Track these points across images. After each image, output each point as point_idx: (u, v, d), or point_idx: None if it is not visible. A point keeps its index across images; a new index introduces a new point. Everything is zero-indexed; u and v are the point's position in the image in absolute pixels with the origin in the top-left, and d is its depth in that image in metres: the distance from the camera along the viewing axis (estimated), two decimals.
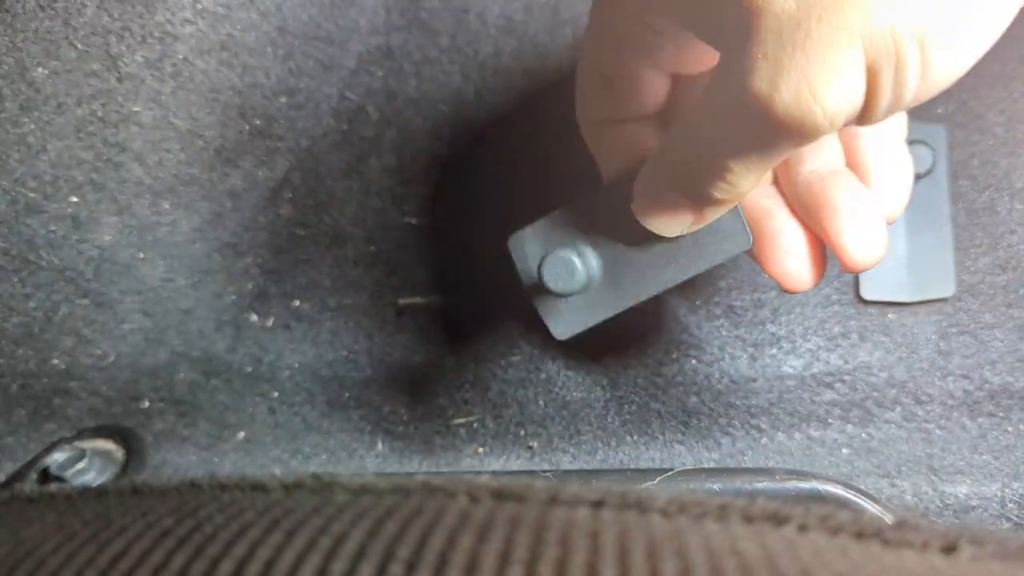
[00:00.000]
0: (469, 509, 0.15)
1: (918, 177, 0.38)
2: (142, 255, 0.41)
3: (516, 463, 0.42)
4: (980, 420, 0.39)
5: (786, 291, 0.29)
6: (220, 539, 0.14)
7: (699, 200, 0.25)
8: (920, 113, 0.40)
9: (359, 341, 0.43)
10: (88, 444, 0.42)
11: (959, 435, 0.39)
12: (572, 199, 0.29)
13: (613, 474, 0.39)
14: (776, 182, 0.29)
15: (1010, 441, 0.39)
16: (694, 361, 0.41)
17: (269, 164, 0.42)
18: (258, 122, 0.41)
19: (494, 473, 0.41)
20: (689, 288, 0.41)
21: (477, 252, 0.42)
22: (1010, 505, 0.38)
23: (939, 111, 0.40)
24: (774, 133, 0.20)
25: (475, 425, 0.43)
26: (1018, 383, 0.39)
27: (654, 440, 0.42)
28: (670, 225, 0.27)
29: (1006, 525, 0.38)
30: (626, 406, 0.42)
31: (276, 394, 0.43)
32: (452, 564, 0.13)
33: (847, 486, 0.33)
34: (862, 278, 0.40)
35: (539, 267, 0.28)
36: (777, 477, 0.34)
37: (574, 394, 0.42)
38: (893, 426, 0.40)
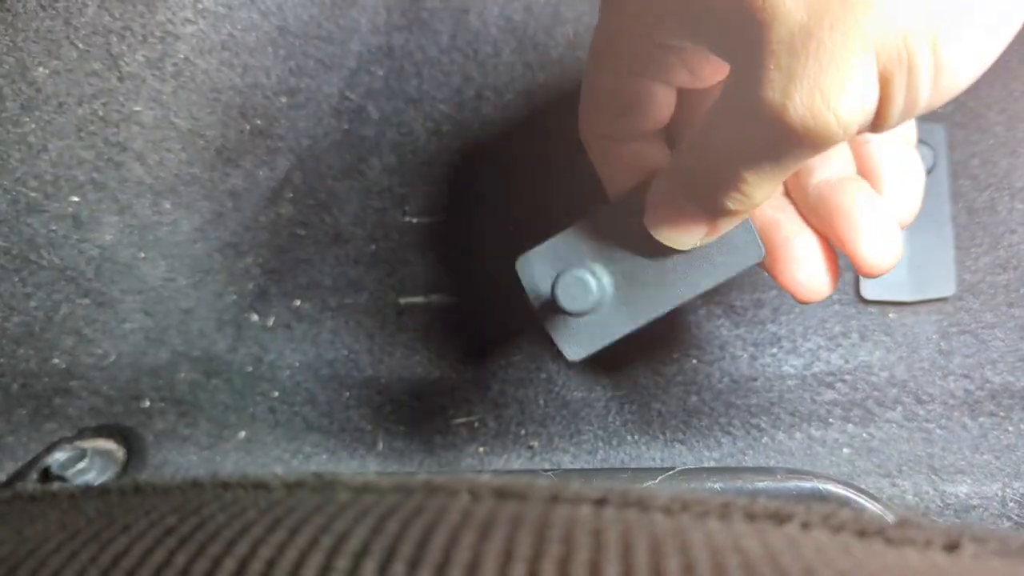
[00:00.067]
0: (471, 507, 0.15)
1: None
2: (143, 254, 0.41)
3: (517, 463, 0.42)
4: (981, 420, 0.39)
5: (801, 302, 0.29)
6: (222, 538, 0.14)
7: (713, 211, 0.25)
8: None
9: (360, 341, 0.43)
10: (89, 444, 0.42)
11: (960, 435, 0.39)
12: (577, 219, 0.29)
13: (614, 473, 0.39)
14: (786, 192, 0.29)
15: (1011, 441, 0.39)
16: (695, 360, 0.41)
17: (270, 164, 0.42)
18: (259, 122, 0.41)
19: (495, 472, 0.41)
20: None
21: (477, 252, 0.42)
22: (1011, 504, 0.38)
23: (939, 110, 0.40)
24: (788, 142, 0.20)
25: (476, 424, 0.43)
26: (1019, 382, 0.39)
27: (655, 440, 0.42)
28: (683, 237, 0.27)
29: (1007, 524, 0.38)
30: (627, 405, 0.42)
31: (277, 394, 0.43)
32: (455, 562, 0.13)
33: (848, 485, 0.33)
34: (862, 277, 0.40)
35: (552, 287, 0.28)
36: (778, 476, 0.34)
37: (575, 393, 0.42)
38: (894, 425, 0.40)
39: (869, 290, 0.40)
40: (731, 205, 0.24)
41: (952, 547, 0.15)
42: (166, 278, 0.42)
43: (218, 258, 0.42)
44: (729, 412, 0.41)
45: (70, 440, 0.42)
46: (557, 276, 0.28)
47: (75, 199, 0.39)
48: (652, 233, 0.27)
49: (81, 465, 0.41)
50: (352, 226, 0.43)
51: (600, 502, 0.15)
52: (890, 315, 0.40)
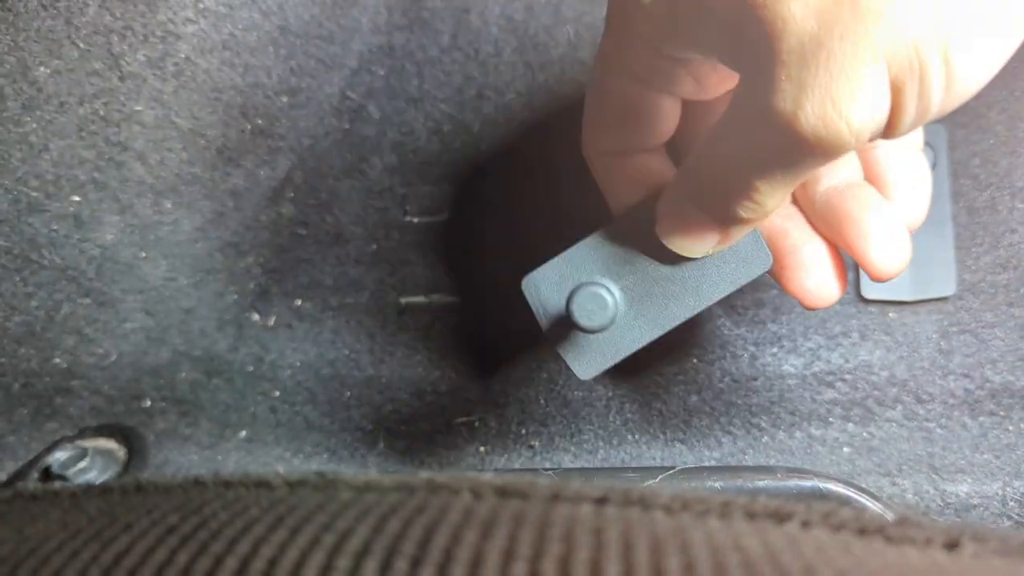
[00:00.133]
0: (473, 506, 0.15)
1: None
2: (144, 254, 0.41)
3: (518, 462, 0.42)
4: (981, 419, 0.39)
5: (808, 308, 0.29)
6: (224, 536, 0.14)
7: (725, 220, 0.25)
8: None
9: (361, 340, 0.43)
10: (90, 443, 0.42)
11: (960, 434, 0.39)
12: (580, 231, 0.29)
13: (615, 472, 0.39)
14: (793, 200, 0.29)
15: (1011, 440, 0.39)
16: (695, 360, 0.41)
17: (271, 163, 0.42)
18: (260, 121, 0.41)
19: (496, 471, 0.41)
20: None
21: (478, 251, 0.42)
22: (1011, 504, 0.38)
23: None
24: (800, 151, 0.20)
25: (476, 424, 0.43)
26: (1019, 382, 0.39)
27: (655, 439, 0.42)
28: (695, 246, 0.27)
29: (1007, 524, 0.38)
30: (627, 405, 0.42)
31: (278, 393, 0.43)
32: (456, 560, 0.13)
33: (848, 484, 0.33)
34: (863, 277, 0.40)
35: (567, 304, 0.27)
36: (778, 475, 0.34)
37: (575, 393, 0.42)
38: (894, 425, 0.40)
39: (869, 290, 0.40)
40: (743, 214, 0.24)
41: (952, 546, 0.15)
42: (167, 278, 0.42)
43: (219, 258, 0.42)
44: (729, 411, 0.41)
45: (71, 439, 0.42)
46: (572, 293, 0.27)
47: (76, 198, 0.39)
48: (664, 242, 0.27)
49: (82, 464, 0.41)
50: (353, 226, 0.43)
51: (601, 501, 0.15)
52: (890, 314, 0.40)
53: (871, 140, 0.20)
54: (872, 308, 0.40)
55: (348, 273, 0.43)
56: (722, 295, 0.29)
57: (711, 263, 0.28)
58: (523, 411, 0.42)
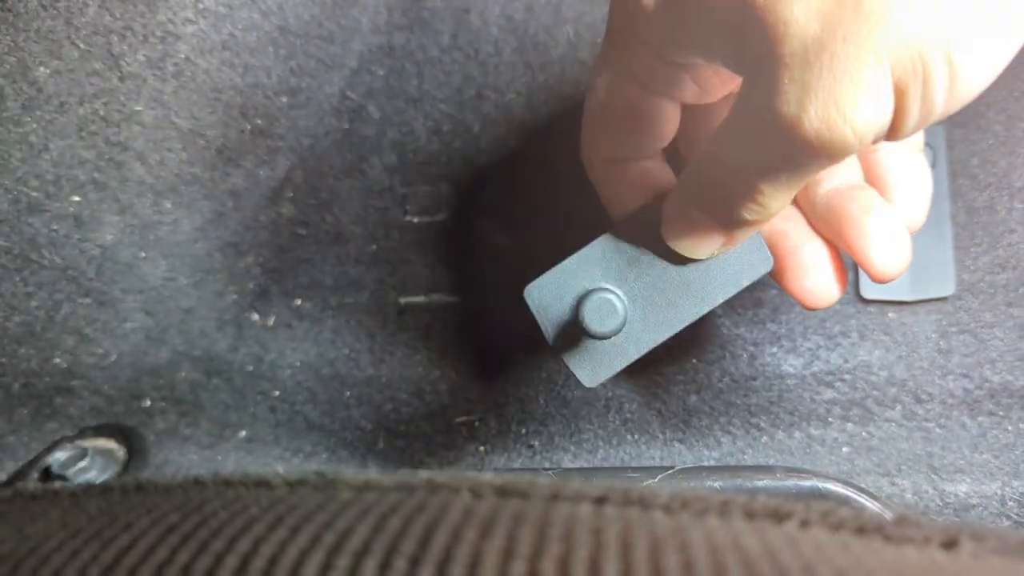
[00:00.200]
0: (472, 505, 0.15)
1: None
2: (144, 254, 0.41)
3: (517, 461, 0.42)
4: (980, 419, 0.39)
5: (808, 308, 0.29)
6: (224, 535, 0.14)
7: (730, 223, 0.25)
8: None
9: (360, 340, 0.43)
10: (90, 443, 0.42)
11: (959, 434, 0.39)
12: (582, 240, 0.29)
13: (614, 472, 0.39)
14: (794, 201, 0.29)
15: (1010, 440, 0.39)
16: (694, 360, 0.41)
17: (271, 163, 0.42)
18: (260, 121, 0.41)
19: (496, 471, 0.41)
20: None
21: (478, 251, 0.42)
22: (1010, 503, 0.38)
23: None
24: (804, 153, 0.20)
25: (476, 423, 0.43)
26: (1018, 382, 0.39)
27: (655, 439, 0.42)
28: (701, 248, 0.27)
29: (1006, 523, 0.38)
30: (626, 405, 0.42)
31: (277, 393, 0.43)
32: (456, 559, 0.13)
33: (847, 484, 0.33)
34: (863, 277, 0.40)
35: (577, 310, 0.27)
36: (778, 475, 0.34)
37: (575, 392, 0.42)
38: (893, 425, 0.40)
39: (869, 290, 0.40)
40: (748, 216, 0.24)
41: (951, 545, 0.15)
42: (167, 277, 0.42)
43: (219, 257, 0.42)
44: (729, 411, 0.41)
45: (71, 439, 0.42)
46: (581, 299, 0.27)
47: (76, 199, 0.39)
48: (670, 245, 0.27)
49: (82, 464, 0.41)
50: (353, 225, 0.43)
51: (600, 500, 0.15)
52: (889, 314, 0.40)
53: (875, 142, 0.20)
54: (871, 308, 0.41)
55: (348, 273, 0.43)
56: (724, 298, 0.29)
57: (713, 267, 0.28)
58: (523, 411, 0.42)
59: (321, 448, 0.43)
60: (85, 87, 0.37)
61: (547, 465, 0.42)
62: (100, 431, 0.43)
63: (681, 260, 0.28)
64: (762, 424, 0.41)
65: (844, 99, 0.19)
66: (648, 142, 0.28)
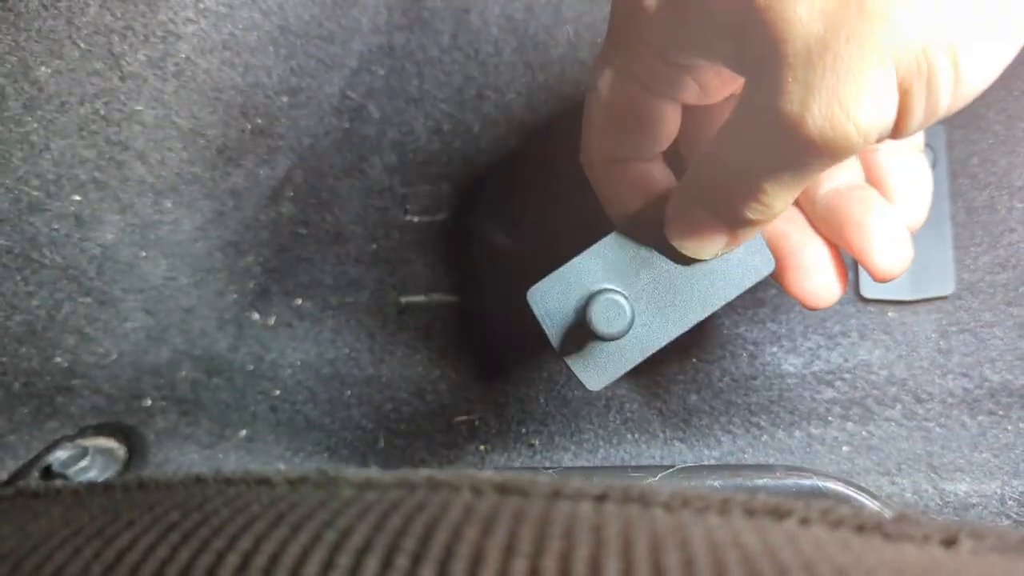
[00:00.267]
0: (473, 503, 0.15)
1: None
2: (144, 253, 0.41)
3: (518, 461, 0.42)
4: (980, 418, 0.39)
5: (809, 308, 0.29)
6: (226, 533, 0.14)
7: (734, 222, 0.25)
8: None
9: (361, 339, 0.43)
10: (90, 442, 0.42)
11: (959, 433, 0.40)
12: (582, 243, 0.29)
13: (614, 471, 0.39)
14: (795, 202, 0.29)
15: (1010, 439, 0.39)
16: (694, 359, 0.41)
17: (271, 163, 0.42)
18: (260, 121, 0.41)
19: (496, 470, 0.41)
20: None
21: (478, 251, 0.43)
22: (1010, 503, 0.38)
23: None
24: (807, 153, 0.21)
25: (476, 423, 0.43)
26: (1018, 381, 0.39)
27: (655, 438, 0.42)
28: (704, 247, 0.27)
29: (1006, 523, 0.38)
30: (627, 404, 0.42)
31: (278, 392, 0.43)
32: (457, 557, 0.13)
33: (847, 483, 0.33)
34: (862, 276, 0.40)
35: (585, 312, 0.27)
36: (778, 474, 0.34)
37: (575, 392, 0.42)
38: (893, 424, 0.40)
39: (869, 289, 0.40)
40: (751, 216, 0.24)
41: (950, 542, 0.15)
42: (167, 277, 0.42)
43: (219, 257, 0.42)
44: (729, 410, 0.41)
45: (71, 438, 0.42)
46: (587, 301, 0.27)
47: (77, 198, 0.39)
48: (674, 245, 0.27)
49: (82, 463, 0.41)
50: (353, 225, 0.43)
51: (601, 498, 0.15)
52: (889, 314, 0.40)
53: (878, 141, 0.20)
54: (871, 307, 0.41)
55: (348, 272, 0.43)
56: (726, 300, 0.29)
57: (715, 268, 0.28)
58: (523, 410, 0.42)
59: (322, 447, 0.44)
60: (86, 87, 0.37)
61: (547, 464, 0.42)
62: (101, 430, 0.43)
63: (684, 261, 0.28)
64: (762, 423, 0.41)
65: (848, 98, 0.19)
66: (649, 143, 0.28)
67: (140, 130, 0.39)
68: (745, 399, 0.41)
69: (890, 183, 0.28)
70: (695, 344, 0.41)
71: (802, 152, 0.21)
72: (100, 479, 0.41)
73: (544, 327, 0.29)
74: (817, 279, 0.28)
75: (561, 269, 0.29)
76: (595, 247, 0.29)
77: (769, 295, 0.41)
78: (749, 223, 0.25)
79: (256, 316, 0.43)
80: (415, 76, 0.42)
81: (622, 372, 0.29)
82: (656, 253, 0.28)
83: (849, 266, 0.39)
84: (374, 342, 0.43)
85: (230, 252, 0.43)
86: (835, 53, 0.19)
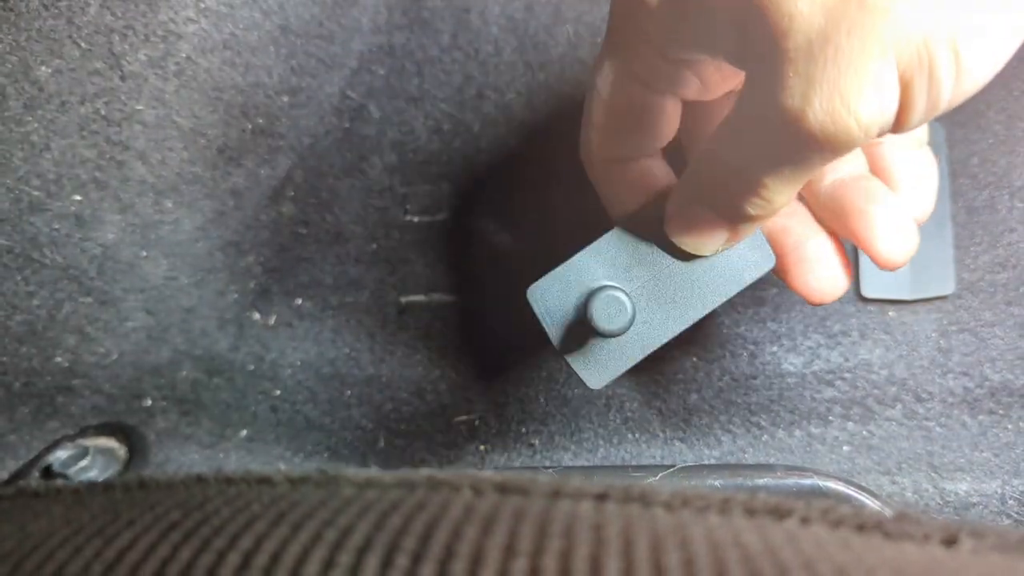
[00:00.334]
0: (473, 502, 0.15)
1: None
2: (145, 253, 0.41)
3: (518, 460, 0.42)
4: (980, 417, 0.39)
5: (813, 303, 0.29)
6: (226, 532, 0.14)
7: (734, 218, 0.25)
8: None
9: (361, 339, 0.43)
10: (91, 442, 0.42)
11: (959, 432, 0.40)
12: (582, 240, 0.29)
13: (614, 471, 0.39)
14: (798, 194, 0.29)
15: (1010, 438, 0.39)
16: (695, 359, 0.41)
17: (271, 162, 0.42)
18: (260, 121, 0.41)
19: (496, 470, 0.41)
20: None
21: (478, 251, 0.43)
22: (1010, 502, 0.38)
23: None
24: (808, 147, 0.20)
25: (476, 422, 0.43)
26: (1018, 380, 0.39)
27: (655, 438, 0.42)
28: (705, 243, 0.27)
29: (1006, 522, 0.38)
30: (627, 403, 0.42)
31: (278, 392, 0.43)
32: (458, 556, 0.13)
33: (847, 482, 0.33)
34: (863, 276, 0.40)
35: (586, 309, 0.27)
36: (778, 473, 0.34)
37: (575, 391, 0.42)
38: (893, 423, 0.40)
39: (869, 289, 0.40)
40: (752, 211, 0.24)
41: (950, 541, 0.15)
42: (168, 277, 0.42)
43: (220, 257, 0.43)
44: (729, 410, 0.41)
45: (72, 438, 0.42)
46: (588, 298, 0.27)
47: (77, 198, 0.39)
48: (674, 241, 0.27)
49: (83, 463, 0.41)
50: (353, 225, 0.43)
51: (601, 497, 0.15)
52: (890, 313, 0.40)
53: (880, 135, 0.20)
54: (871, 307, 0.41)
55: (348, 272, 0.43)
56: (726, 298, 0.29)
57: (716, 265, 0.28)
58: (523, 410, 0.42)
59: (322, 447, 0.44)
60: (87, 86, 0.37)
61: (547, 464, 0.42)
62: (101, 430, 0.43)
63: (685, 257, 0.28)
64: (762, 423, 0.41)
65: (849, 92, 0.19)
66: (649, 140, 0.28)
67: (141, 130, 0.39)
68: (745, 398, 0.41)
69: (895, 176, 0.28)
70: (695, 343, 0.41)
71: (803, 146, 0.21)
72: (100, 479, 0.41)
73: (544, 325, 0.29)
74: (821, 272, 0.28)
75: (561, 267, 0.29)
76: (595, 245, 0.29)
77: (770, 294, 0.41)
78: (750, 219, 0.25)
79: (257, 316, 0.43)
80: (415, 76, 0.42)
81: (623, 370, 0.29)
82: (656, 250, 0.28)
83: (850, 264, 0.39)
84: (374, 342, 0.43)
85: (231, 252, 0.43)
86: (836, 46, 0.19)
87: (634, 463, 0.41)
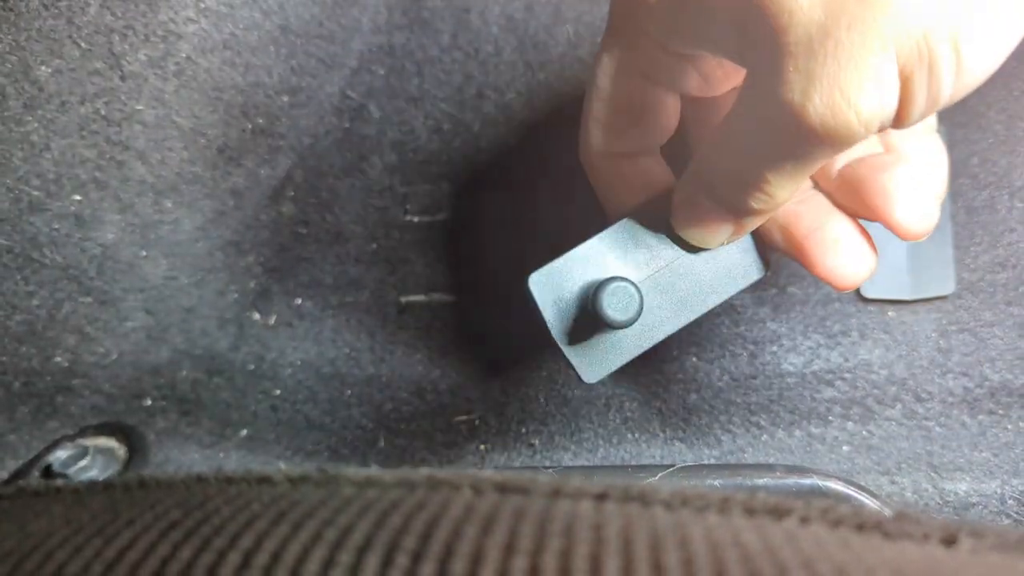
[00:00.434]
0: (473, 502, 0.15)
1: None
2: (145, 253, 0.41)
3: (518, 460, 0.42)
4: (980, 417, 0.39)
5: (839, 289, 0.28)
6: (227, 531, 0.14)
7: (738, 212, 0.25)
8: None
9: (361, 339, 0.43)
10: (91, 442, 0.42)
11: (959, 432, 0.40)
12: (584, 235, 0.29)
13: (614, 470, 0.39)
14: (813, 177, 0.29)
15: (1010, 438, 0.39)
16: (694, 358, 0.41)
17: (271, 162, 0.42)
18: (260, 120, 0.41)
19: (496, 469, 0.41)
20: None
21: (478, 250, 0.43)
22: (1010, 502, 0.38)
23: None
24: (809, 142, 0.20)
25: (476, 422, 0.43)
26: (1017, 380, 0.39)
27: (655, 437, 0.42)
28: (710, 237, 0.27)
29: (1006, 522, 0.38)
30: (627, 403, 0.42)
31: (278, 392, 0.43)
32: (457, 555, 0.13)
33: (847, 482, 0.33)
34: None
35: (594, 299, 0.27)
36: (778, 473, 0.34)
37: (575, 391, 0.42)
38: (893, 423, 0.40)
39: (869, 288, 0.40)
40: (755, 205, 0.24)
41: (950, 541, 0.15)
42: (168, 276, 0.42)
43: (220, 256, 0.43)
44: (729, 410, 0.41)
45: (72, 438, 0.42)
46: (596, 288, 0.27)
47: (77, 198, 0.39)
48: (679, 234, 0.27)
49: (83, 463, 0.41)
50: (353, 225, 0.43)
51: (601, 497, 0.15)
52: (889, 313, 0.40)
53: (880, 130, 0.20)
54: (871, 307, 0.41)
55: (348, 272, 0.43)
56: (728, 295, 0.29)
57: (719, 263, 0.28)
58: (523, 409, 0.42)
59: (322, 447, 0.44)
60: (86, 86, 0.37)
61: (547, 464, 0.42)
62: (101, 430, 0.43)
63: (689, 251, 0.28)
64: (762, 422, 0.41)
65: (849, 86, 0.19)
66: (648, 135, 0.28)
67: (141, 130, 0.39)
68: (745, 398, 0.41)
69: (908, 161, 0.28)
70: (695, 343, 0.41)
71: (804, 141, 0.21)
72: (100, 478, 0.41)
73: (542, 314, 0.29)
74: (843, 254, 0.27)
75: (562, 257, 0.28)
76: (597, 237, 0.29)
77: (770, 294, 0.41)
78: (754, 212, 0.25)
79: (257, 316, 0.43)
80: (415, 76, 0.42)
81: (619, 365, 0.29)
82: (659, 245, 0.28)
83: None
84: (374, 342, 0.43)
85: (231, 252, 0.43)
86: (836, 40, 0.19)
87: (634, 463, 0.41)
